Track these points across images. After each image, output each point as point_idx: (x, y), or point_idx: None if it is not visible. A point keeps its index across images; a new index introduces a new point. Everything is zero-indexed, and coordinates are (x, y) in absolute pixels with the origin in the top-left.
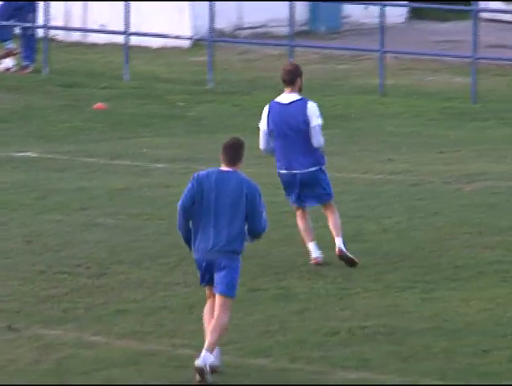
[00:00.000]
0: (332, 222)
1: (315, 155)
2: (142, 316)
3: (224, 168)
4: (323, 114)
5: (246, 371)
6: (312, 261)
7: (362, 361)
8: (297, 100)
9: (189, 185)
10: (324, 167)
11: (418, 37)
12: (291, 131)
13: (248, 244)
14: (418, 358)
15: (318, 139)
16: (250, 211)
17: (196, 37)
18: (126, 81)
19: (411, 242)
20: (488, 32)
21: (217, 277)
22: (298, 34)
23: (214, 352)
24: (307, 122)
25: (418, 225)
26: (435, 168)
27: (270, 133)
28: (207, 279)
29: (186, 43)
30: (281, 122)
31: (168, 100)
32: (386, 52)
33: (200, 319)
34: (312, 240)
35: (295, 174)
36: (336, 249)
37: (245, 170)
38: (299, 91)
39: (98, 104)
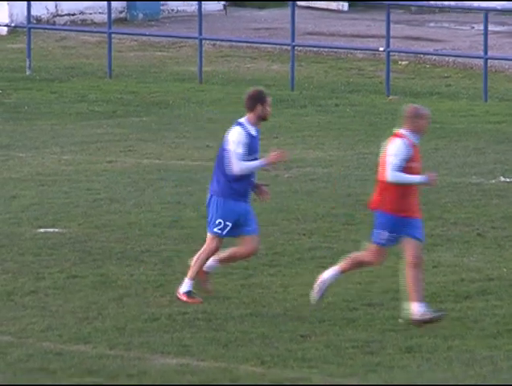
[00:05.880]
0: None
1: (219, 182)
2: None
3: None
4: (140, 101)
5: (66, 358)
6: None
7: (182, 347)
8: (236, 122)
9: None
10: (219, 199)
11: (236, 24)
12: (220, 149)
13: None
14: (236, 344)
15: (234, 167)
16: None
17: (13, 24)
18: None
19: None
20: (305, 20)
21: None
22: (116, 22)
23: None
24: (224, 145)
25: None
26: None
27: None
28: None
29: (4, 30)
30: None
31: None
32: (204, 39)
33: (19, 306)
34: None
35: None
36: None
37: (61, 156)
38: (259, 118)
39: None
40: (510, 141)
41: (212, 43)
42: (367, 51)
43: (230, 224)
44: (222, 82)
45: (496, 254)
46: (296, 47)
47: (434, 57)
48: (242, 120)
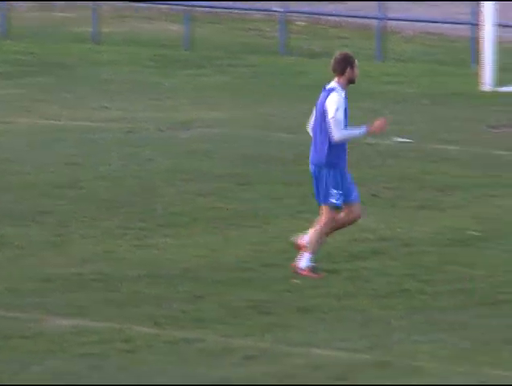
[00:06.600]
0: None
1: (321, 151)
2: None
3: None
4: (38, 62)
5: None
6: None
7: (77, 308)
8: (329, 88)
9: None
10: (328, 169)
11: None
12: (315, 119)
13: None
14: (131, 304)
15: (335, 134)
16: None
17: None
18: None
19: (127, 189)
20: None
21: None
22: None
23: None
24: (324, 113)
25: (133, 172)
26: (151, 115)
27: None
28: None
29: None
30: (316, 107)
31: None
32: (100, 0)
33: None
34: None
35: (310, 166)
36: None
37: None
38: (349, 81)
39: None
40: (406, 101)
41: (110, 3)
42: (264, 12)
43: (342, 192)
44: (119, 43)
45: (390, 214)
46: (194, 8)
47: (332, 18)
48: (334, 85)
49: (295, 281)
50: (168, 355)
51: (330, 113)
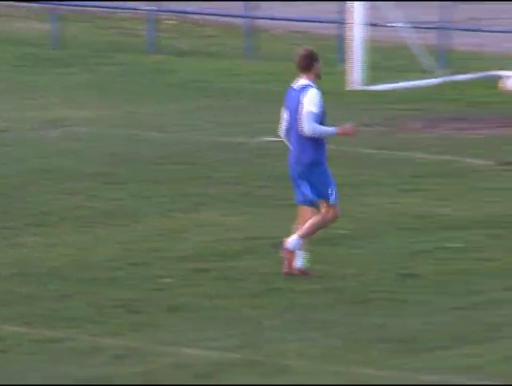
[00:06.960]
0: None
1: (306, 150)
2: None
3: None
4: None
5: None
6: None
7: None
8: (302, 86)
9: None
10: (316, 167)
11: None
12: (292, 118)
13: None
14: (2, 303)
15: (306, 126)
16: None
17: None
18: None
19: None
20: None
21: None
22: None
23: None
24: (300, 109)
25: (3, 172)
26: (21, 114)
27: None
28: None
29: None
30: (288, 108)
31: None
32: None
33: None
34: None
35: (290, 166)
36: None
37: None
38: (316, 77)
39: None
40: (274, 100)
41: None
42: (132, 10)
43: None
44: None
45: (260, 213)
46: (60, 6)
47: (201, 16)
48: (305, 82)
49: (165, 279)
50: (38, 354)
51: (306, 107)
